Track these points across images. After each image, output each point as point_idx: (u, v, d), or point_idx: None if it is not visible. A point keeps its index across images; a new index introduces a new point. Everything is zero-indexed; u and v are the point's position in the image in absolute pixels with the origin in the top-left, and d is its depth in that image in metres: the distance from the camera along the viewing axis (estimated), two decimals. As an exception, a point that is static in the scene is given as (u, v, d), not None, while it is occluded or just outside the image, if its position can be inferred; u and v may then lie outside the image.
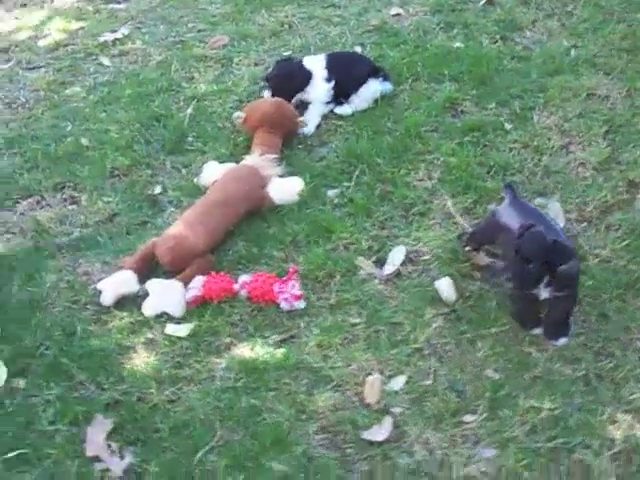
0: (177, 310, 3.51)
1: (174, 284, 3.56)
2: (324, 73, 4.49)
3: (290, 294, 3.47)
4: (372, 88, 4.56)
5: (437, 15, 5.33)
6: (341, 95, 4.56)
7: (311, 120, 4.47)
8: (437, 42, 5.03)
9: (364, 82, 4.55)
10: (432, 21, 5.27)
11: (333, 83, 4.50)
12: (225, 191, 3.88)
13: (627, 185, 3.87)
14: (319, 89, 4.51)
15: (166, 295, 3.52)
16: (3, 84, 5.37)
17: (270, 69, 4.76)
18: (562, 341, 3.21)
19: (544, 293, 3.14)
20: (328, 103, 4.55)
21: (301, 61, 4.59)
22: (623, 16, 5.04)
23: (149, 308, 3.52)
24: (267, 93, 4.55)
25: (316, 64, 4.53)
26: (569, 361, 3.15)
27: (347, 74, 4.53)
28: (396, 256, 3.66)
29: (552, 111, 4.37)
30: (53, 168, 4.47)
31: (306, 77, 4.50)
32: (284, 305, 3.47)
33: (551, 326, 3.25)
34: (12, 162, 4.58)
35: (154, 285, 3.57)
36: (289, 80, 4.49)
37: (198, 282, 3.55)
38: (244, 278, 3.56)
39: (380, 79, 4.59)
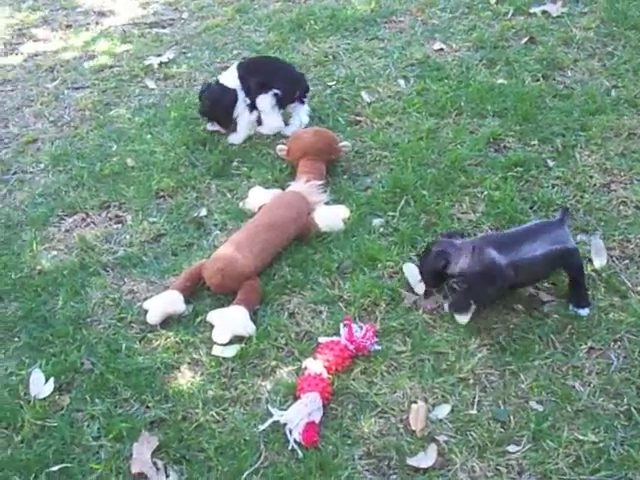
0: (248, 330, 3.51)
1: (236, 307, 3.56)
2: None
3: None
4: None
5: (480, 51, 5.40)
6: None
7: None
8: (480, 78, 5.09)
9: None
10: (474, 57, 5.34)
11: None
12: (273, 216, 3.92)
13: (668, 225, 3.90)
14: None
15: (232, 319, 3.53)
16: (48, 102, 5.50)
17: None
18: (449, 310, 3.56)
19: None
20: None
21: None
22: (664, 59, 5.09)
23: (222, 336, 3.50)
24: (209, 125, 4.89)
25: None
26: (612, 395, 3.16)
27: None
28: (441, 287, 3.69)
29: (594, 149, 4.40)
30: (98, 187, 4.56)
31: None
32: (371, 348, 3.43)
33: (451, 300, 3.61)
34: (57, 179, 4.68)
35: (216, 314, 3.59)
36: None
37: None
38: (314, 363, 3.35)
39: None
